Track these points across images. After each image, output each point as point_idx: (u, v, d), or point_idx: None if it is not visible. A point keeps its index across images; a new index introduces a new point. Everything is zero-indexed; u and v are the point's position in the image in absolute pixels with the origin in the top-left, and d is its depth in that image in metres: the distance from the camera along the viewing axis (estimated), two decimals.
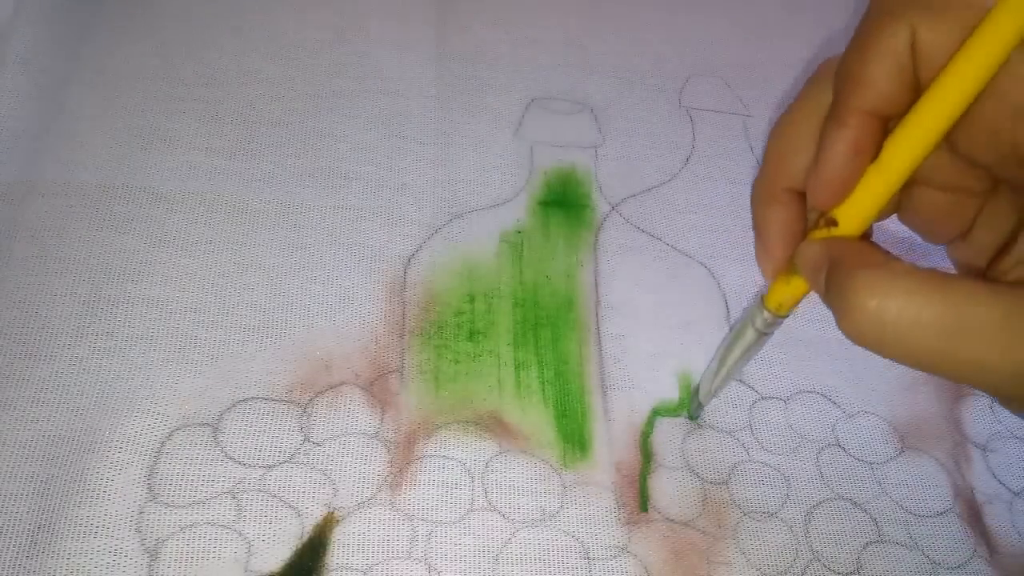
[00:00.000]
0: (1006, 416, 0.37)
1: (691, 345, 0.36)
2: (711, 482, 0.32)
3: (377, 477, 0.30)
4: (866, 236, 0.23)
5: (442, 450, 0.31)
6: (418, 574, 0.28)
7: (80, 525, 0.27)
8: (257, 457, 0.29)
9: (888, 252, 0.22)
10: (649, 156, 0.41)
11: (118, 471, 0.28)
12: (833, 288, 0.21)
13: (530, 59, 0.43)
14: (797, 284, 0.25)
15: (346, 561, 0.28)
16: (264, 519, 0.28)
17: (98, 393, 0.30)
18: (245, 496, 0.29)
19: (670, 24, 0.47)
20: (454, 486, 0.30)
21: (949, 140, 0.22)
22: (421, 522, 0.29)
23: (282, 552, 0.28)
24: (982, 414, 0.37)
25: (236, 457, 0.29)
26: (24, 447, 0.28)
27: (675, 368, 0.35)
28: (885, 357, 0.21)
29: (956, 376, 0.20)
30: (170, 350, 0.31)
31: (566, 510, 0.31)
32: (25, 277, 0.31)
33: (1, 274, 0.31)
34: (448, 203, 0.37)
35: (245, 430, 0.30)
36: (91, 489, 0.28)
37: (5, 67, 0.35)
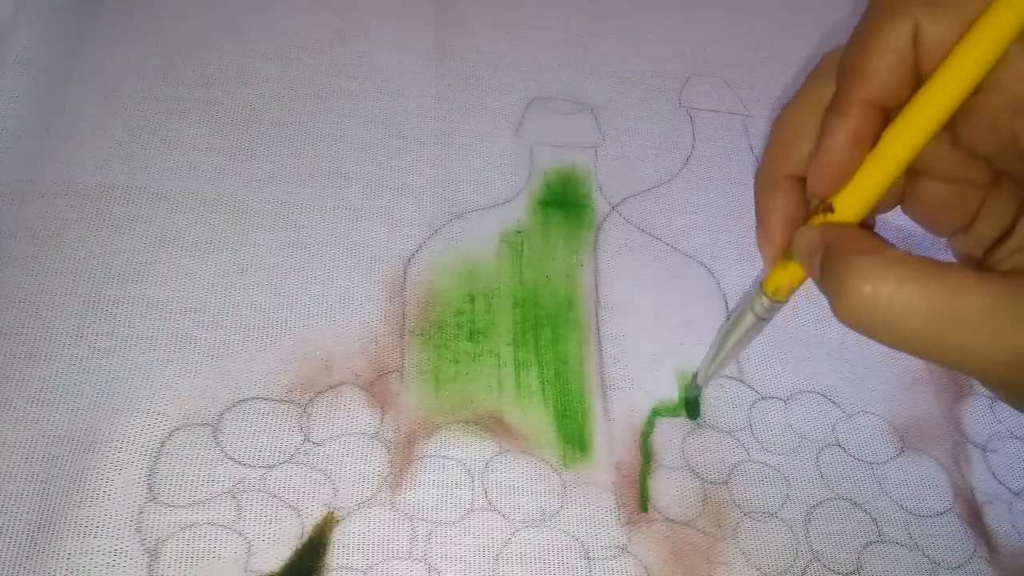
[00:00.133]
0: (1006, 416, 0.37)
1: (691, 345, 0.36)
2: (711, 482, 0.32)
3: (377, 477, 0.30)
4: (868, 227, 0.23)
5: (442, 450, 0.31)
6: (418, 574, 0.28)
7: (80, 525, 0.27)
8: (257, 457, 0.29)
9: (883, 239, 0.22)
10: (649, 156, 0.41)
11: (118, 471, 0.28)
12: (828, 273, 0.22)
13: (530, 59, 0.43)
14: (795, 270, 0.25)
15: (346, 561, 0.28)
16: (264, 519, 0.28)
17: (98, 393, 0.30)
18: (245, 496, 0.29)
19: (670, 24, 0.47)
20: (454, 486, 0.30)
21: (951, 132, 0.22)
22: (421, 522, 0.29)
23: (282, 552, 0.28)
24: (982, 414, 0.37)
25: (236, 457, 0.29)
26: (24, 447, 0.28)
27: (675, 368, 0.35)
28: (877, 341, 0.21)
29: (945, 361, 0.21)
30: (170, 350, 0.31)
31: (566, 510, 0.31)
32: (25, 277, 0.31)
33: (1, 274, 0.31)
34: (448, 203, 0.37)
35: (245, 430, 0.30)
36: (91, 489, 0.28)
37: (5, 67, 0.35)
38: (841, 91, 0.23)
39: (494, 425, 0.32)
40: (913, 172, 0.25)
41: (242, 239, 0.34)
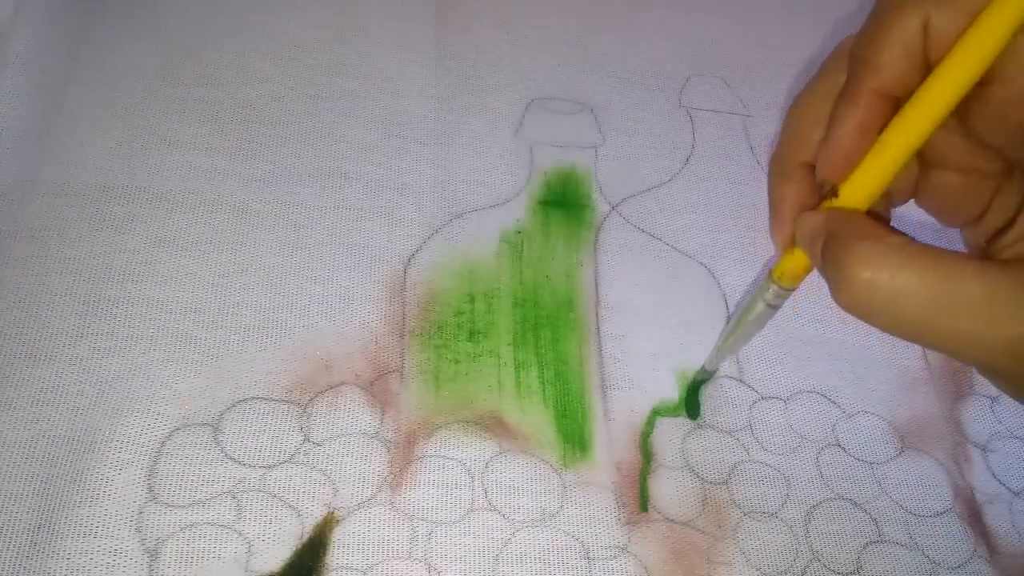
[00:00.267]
0: (1006, 416, 0.37)
1: (691, 345, 0.36)
2: (711, 482, 0.32)
3: (377, 477, 0.30)
4: (883, 219, 0.23)
5: (442, 450, 0.31)
6: (418, 574, 0.28)
7: (80, 525, 0.27)
8: (257, 457, 0.29)
9: (886, 226, 0.22)
10: (649, 156, 0.41)
11: (118, 471, 0.28)
12: (828, 258, 0.22)
13: (530, 59, 0.43)
14: (802, 257, 0.26)
15: (346, 561, 0.28)
16: (264, 519, 0.28)
17: (98, 393, 0.30)
18: (245, 496, 0.29)
19: (670, 24, 0.47)
20: (454, 486, 0.30)
21: (962, 123, 0.23)
22: (421, 522, 0.29)
23: (282, 552, 0.28)
24: (982, 414, 0.37)
25: (236, 457, 0.29)
26: (24, 447, 0.28)
27: (675, 368, 0.35)
28: (875, 327, 0.21)
29: (942, 348, 0.21)
30: (170, 350, 0.31)
31: (566, 510, 0.31)
32: (25, 277, 0.31)
33: (1, 274, 0.31)
34: (448, 203, 0.37)
35: (245, 430, 0.30)
36: (91, 489, 0.28)
37: (5, 67, 0.35)
38: (851, 81, 0.23)
39: (494, 425, 0.32)
40: (926, 163, 0.25)
41: (242, 239, 0.34)
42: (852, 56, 0.23)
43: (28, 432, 0.28)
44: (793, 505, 0.33)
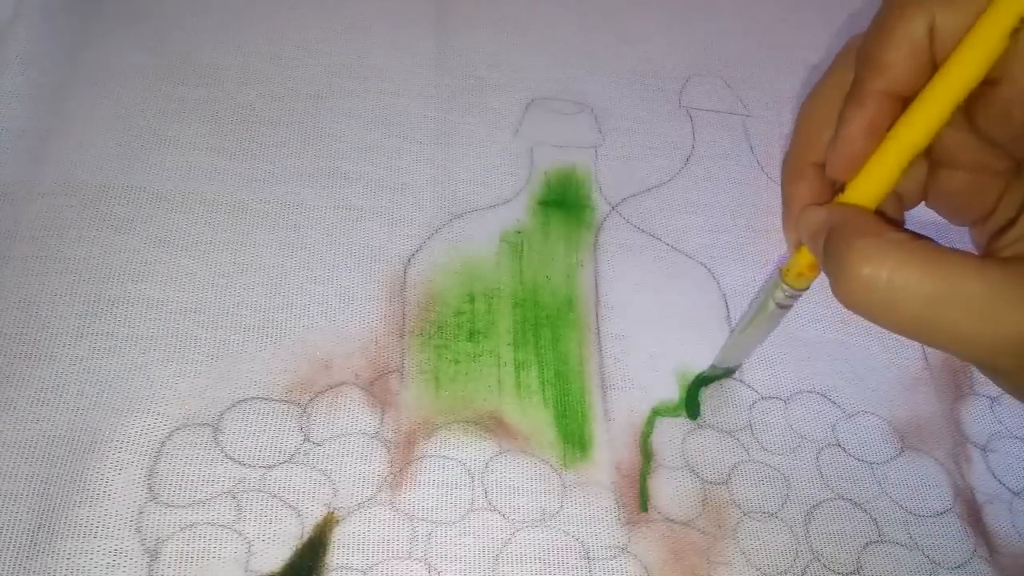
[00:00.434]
0: (1006, 416, 0.37)
1: (691, 345, 0.36)
2: (711, 482, 0.32)
3: (377, 477, 0.30)
4: (895, 222, 0.24)
5: (442, 450, 0.31)
6: (418, 574, 0.28)
7: (80, 525, 0.27)
8: (257, 457, 0.29)
9: (889, 222, 0.23)
10: (649, 156, 0.41)
11: (118, 471, 0.28)
12: (830, 254, 0.22)
13: (530, 59, 0.43)
14: (812, 256, 0.26)
15: (346, 561, 0.28)
16: (264, 519, 0.28)
17: (98, 393, 0.30)
18: (245, 496, 0.29)
19: (670, 24, 0.47)
20: (454, 486, 0.30)
21: (970, 121, 0.23)
22: (421, 522, 0.29)
23: (282, 552, 0.28)
24: (982, 414, 0.37)
25: (236, 457, 0.29)
26: (24, 447, 0.28)
27: (675, 368, 0.35)
28: (873, 322, 0.21)
29: (941, 345, 0.21)
30: (170, 350, 0.31)
31: (566, 510, 0.31)
32: (25, 277, 0.31)
33: (1, 274, 0.31)
34: (448, 203, 0.37)
35: (245, 430, 0.30)
36: (91, 489, 0.28)
37: (5, 67, 0.35)
38: (858, 81, 0.23)
39: (494, 425, 0.32)
40: (935, 162, 0.25)
41: (242, 239, 0.34)
42: (859, 56, 0.23)
43: (28, 432, 0.28)
44: (793, 505, 0.33)
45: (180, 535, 0.27)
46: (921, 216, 0.28)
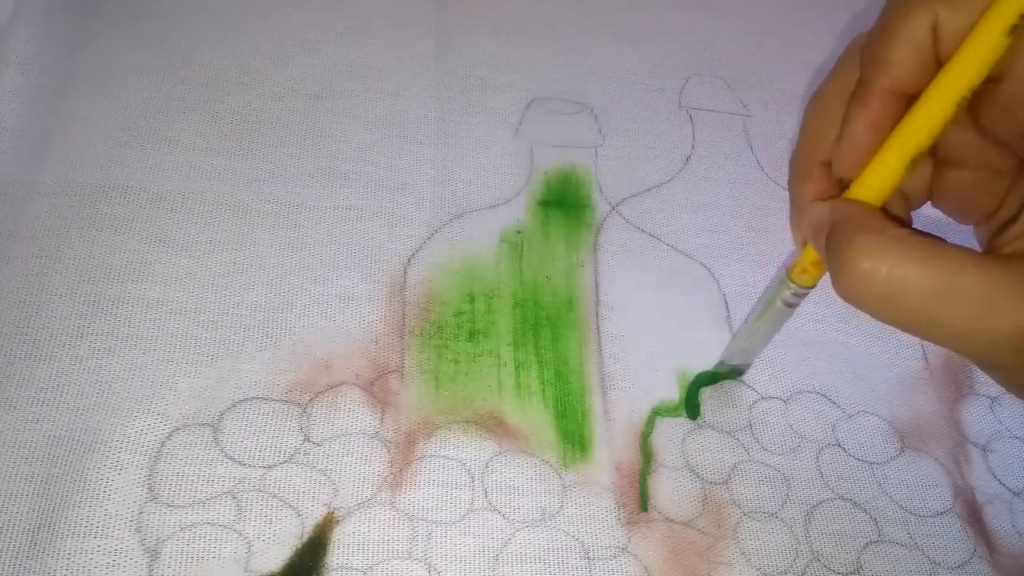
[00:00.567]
0: (1006, 416, 0.37)
1: (691, 345, 0.36)
2: (711, 482, 0.32)
3: (377, 477, 0.30)
4: (901, 220, 0.24)
5: (442, 450, 0.31)
6: (418, 574, 0.28)
7: (80, 525, 0.27)
8: (257, 457, 0.29)
9: (892, 219, 0.23)
10: (649, 156, 0.41)
11: (118, 471, 0.28)
12: (831, 249, 0.22)
13: (530, 59, 0.43)
14: (814, 252, 0.26)
15: (346, 561, 0.28)
16: (264, 519, 0.28)
17: (98, 393, 0.30)
18: (245, 496, 0.29)
19: (670, 24, 0.47)
20: (454, 486, 0.30)
21: (975, 119, 0.23)
22: (421, 522, 0.29)
23: (282, 552, 0.28)
24: (982, 414, 0.37)
25: (236, 457, 0.29)
26: (24, 447, 0.28)
27: (675, 368, 0.35)
28: (873, 317, 0.22)
29: (940, 340, 0.21)
30: (170, 350, 0.31)
31: (566, 510, 0.31)
32: (25, 277, 0.31)
33: (1, 274, 0.31)
34: (448, 203, 0.37)
35: (245, 430, 0.30)
36: (91, 489, 0.28)
37: (5, 67, 0.35)
38: (863, 80, 0.24)
39: (494, 425, 0.32)
40: (941, 161, 0.26)
41: (242, 239, 0.34)
42: (863, 55, 0.24)
43: (28, 432, 0.28)
44: (793, 505, 0.33)
45: (180, 535, 0.27)
46: (929, 215, 0.28)
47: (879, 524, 0.33)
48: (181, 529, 0.27)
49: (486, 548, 0.29)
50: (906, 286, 0.21)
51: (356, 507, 0.29)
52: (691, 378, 0.35)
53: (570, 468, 0.32)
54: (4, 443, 0.28)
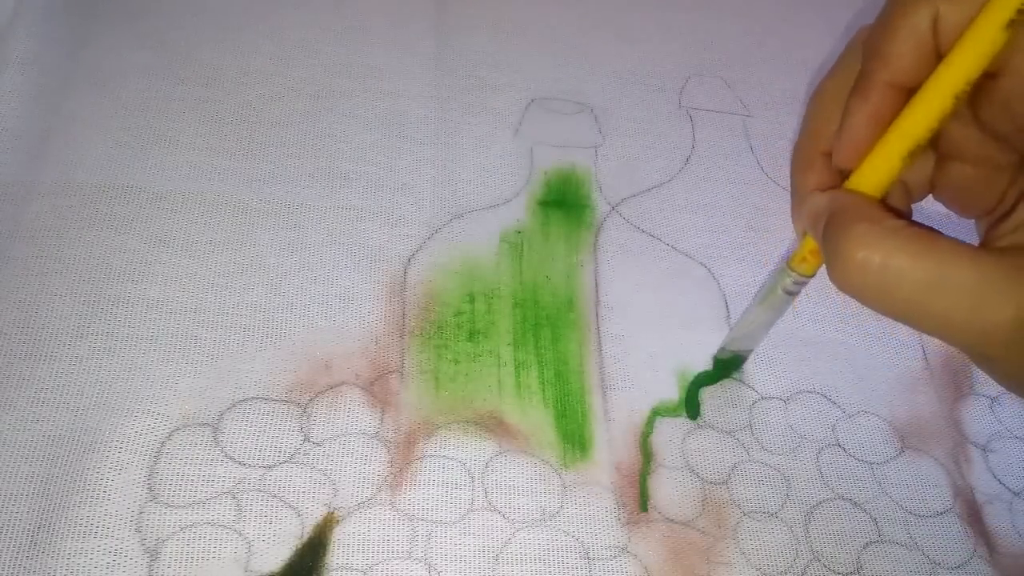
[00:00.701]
0: (1006, 416, 0.37)
1: (691, 345, 0.36)
2: (711, 482, 0.32)
3: (377, 477, 0.30)
4: (900, 213, 0.24)
5: (442, 450, 0.31)
6: (418, 574, 0.28)
7: (80, 525, 0.27)
8: (257, 457, 0.29)
9: (890, 210, 0.23)
10: (649, 156, 0.41)
11: (118, 471, 0.28)
12: (828, 237, 0.23)
13: (530, 59, 0.43)
14: (813, 241, 0.26)
15: (346, 561, 0.28)
16: (264, 519, 0.28)
17: (98, 393, 0.30)
18: (245, 496, 0.29)
19: (670, 24, 0.47)
20: (454, 486, 0.30)
21: (975, 114, 0.23)
22: (421, 522, 0.29)
23: (282, 552, 0.28)
24: (982, 414, 0.37)
25: (236, 457, 0.29)
26: (24, 447, 0.28)
27: (675, 368, 0.35)
28: (866, 305, 0.22)
29: (932, 331, 0.22)
30: (170, 350, 0.31)
31: (566, 510, 0.31)
32: (25, 277, 0.31)
33: (1, 274, 0.31)
34: (448, 203, 0.37)
35: (245, 430, 0.30)
36: (91, 489, 0.28)
37: (5, 67, 0.35)
38: (864, 73, 0.24)
39: (494, 425, 0.32)
40: (942, 155, 0.26)
41: (242, 239, 0.34)
42: (864, 48, 0.24)
43: (28, 432, 0.28)
44: (793, 505, 0.33)
45: (180, 535, 0.27)
46: (931, 208, 0.28)
47: (879, 524, 0.33)
48: (181, 529, 0.27)
49: (486, 548, 0.29)
50: (900, 276, 0.21)
51: (356, 507, 0.29)
52: (691, 378, 0.35)
53: (570, 468, 0.32)
54: (4, 443, 0.28)
